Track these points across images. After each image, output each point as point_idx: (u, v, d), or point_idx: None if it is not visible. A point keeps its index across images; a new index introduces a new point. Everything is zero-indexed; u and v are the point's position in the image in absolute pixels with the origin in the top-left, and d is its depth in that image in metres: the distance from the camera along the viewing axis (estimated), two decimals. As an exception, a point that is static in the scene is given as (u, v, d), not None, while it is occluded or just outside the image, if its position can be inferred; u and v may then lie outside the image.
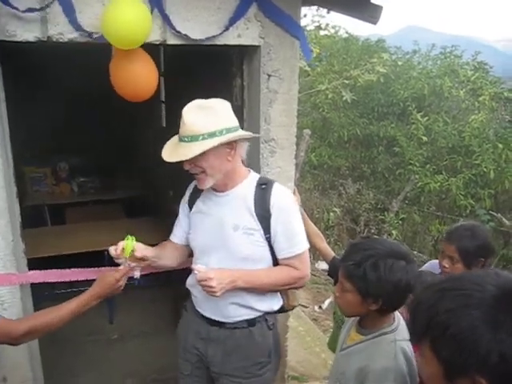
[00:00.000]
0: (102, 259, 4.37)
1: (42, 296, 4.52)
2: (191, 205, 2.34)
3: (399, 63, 9.08)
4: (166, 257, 2.40)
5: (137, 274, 2.40)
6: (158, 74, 2.50)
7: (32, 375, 2.67)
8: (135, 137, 6.15)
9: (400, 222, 7.70)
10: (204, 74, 3.19)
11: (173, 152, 2.07)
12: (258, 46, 2.65)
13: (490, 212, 6.86)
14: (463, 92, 8.17)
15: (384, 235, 7.59)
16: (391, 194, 8.75)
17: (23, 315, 2.57)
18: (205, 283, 2.02)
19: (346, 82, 8.26)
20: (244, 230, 2.13)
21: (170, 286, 4.46)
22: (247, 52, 2.75)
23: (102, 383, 3.84)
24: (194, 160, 2.02)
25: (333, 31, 10.33)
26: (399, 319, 1.87)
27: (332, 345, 2.80)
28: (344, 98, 8.04)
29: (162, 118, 5.19)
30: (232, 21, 2.49)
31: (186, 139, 2.02)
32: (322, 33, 9.45)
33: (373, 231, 8.47)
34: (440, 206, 8.57)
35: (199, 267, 2.06)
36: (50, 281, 2.64)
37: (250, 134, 2.16)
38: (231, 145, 2.05)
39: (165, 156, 2.09)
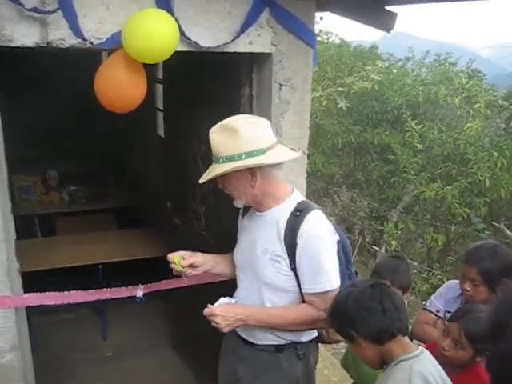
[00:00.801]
0: (96, 273, 4.23)
1: (33, 311, 4.35)
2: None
3: (394, 70, 8.98)
4: (224, 264, 2.39)
5: (139, 293, 2.54)
6: (149, 84, 2.34)
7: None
8: (128, 145, 5.99)
9: (399, 232, 7.59)
10: (209, 81, 3.03)
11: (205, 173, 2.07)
12: (270, 54, 2.51)
13: (492, 223, 6.78)
14: (458, 100, 8.09)
15: (383, 246, 7.49)
16: (385, 202, 8.66)
17: (18, 340, 2.39)
18: (210, 318, 2.04)
19: (341, 89, 8.16)
20: (271, 256, 2.07)
21: (164, 299, 4.30)
22: (258, 60, 2.61)
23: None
24: (219, 181, 2.06)
25: (325, 37, 10.26)
26: (423, 350, 1.78)
27: (345, 362, 2.67)
28: (339, 106, 7.94)
29: (159, 126, 5.03)
30: (244, 27, 2.35)
31: (213, 159, 2.03)
32: (315, 39, 9.33)
33: (367, 240, 8.38)
34: (435, 214, 8.49)
35: (209, 307, 2.06)
36: (47, 303, 2.46)
37: (275, 160, 2.00)
38: (253, 171, 1.98)
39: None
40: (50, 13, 2.07)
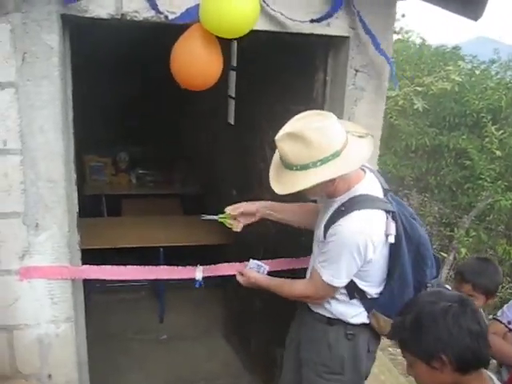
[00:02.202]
0: (157, 255, 4.24)
1: (94, 288, 4.43)
2: None
3: (476, 72, 8.57)
4: (287, 211, 2.45)
5: (199, 275, 2.53)
6: (226, 67, 2.29)
7: (78, 376, 2.50)
8: (199, 132, 6.00)
9: (470, 239, 7.24)
10: (281, 67, 2.94)
11: (275, 175, 2.05)
12: (347, 38, 2.39)
13: None
14: (545, 106, 7.63)
15: (452, 252, 7.18)
16: (457, 208, 8.28)
17: (73, 311, 2.40)
18: (237, 274, 2.39)
19: (419, 89, 7.86)
20: (318, 242, 2.16)
21: (222, 287, 4.25)
22: (334, 43, 2.49)
23: (147, 385, 3.67)
24: None
25: (406, 36, 9.94)
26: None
27: None
28: (416, 106, 7.64)
29: (229, 114, 4.99)
30: (332, 10, 2.23)
31: (283, 163, 1.99)
32: (395, 37, 9.05)
33: (435, 246, 8.06)
34: (509, 224, 8.05)
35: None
36: (104, 278, 2.45)
37: (352, 165, 1.94)
38: (332, 179, 1.95)
39: (271, 178, 2.06)
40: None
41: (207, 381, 3.72)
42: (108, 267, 2.42)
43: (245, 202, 2.44)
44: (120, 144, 6.05)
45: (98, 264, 2.46)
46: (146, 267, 2.50)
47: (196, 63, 2.18)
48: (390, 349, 3.63)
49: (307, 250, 2.63)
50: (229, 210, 2.41)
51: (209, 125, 5.58)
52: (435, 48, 9.84)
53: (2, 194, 2.17)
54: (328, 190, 2.03)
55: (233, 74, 4.67)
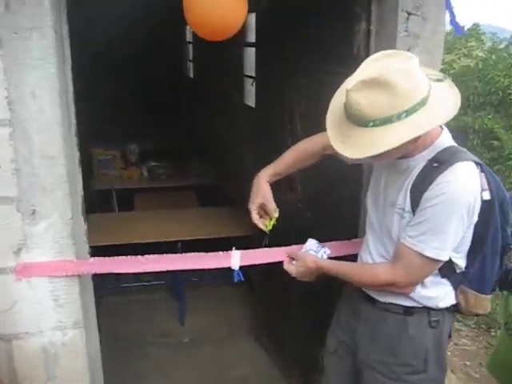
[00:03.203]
0: (174, 251, 3.86)
1: (106, 289, 4.06)
2: None
3: (501, 46, 8.15)
4: (291, 165, 2.09)
5: (235, 264, 2.08)
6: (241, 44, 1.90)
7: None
8: (212, 119, 5.64)
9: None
10: (313, 22, 2.55)
11: (338, 135, 1.61)
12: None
13: None
14: None
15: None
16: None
17: (82, 315, 2.02)
18: (287, 260, 1.99)
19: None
20: (397, 209, 1.73)
21: (247, 284, 3.86)
22: (379, -17, 2.09)
23: (171, 395, 3.29)
24: None
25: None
26: None
27: (495, 364, 2.12)
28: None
29: (246, 95, 4.62)
30: None
31: (350, 120, 1.56)
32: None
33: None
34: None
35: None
36: (118, 271, 2.06)
37: (444, 116, 1.54)
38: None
39: (332, 139, 1.62)
40: None
41: (235, 387, 3.34)
42: (122, 258, 2.01)
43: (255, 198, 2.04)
44: (128, 136, 5.74)
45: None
46: (168, 256, 2.09)
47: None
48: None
49: (349, 233, 2.29)
50: (273, 211, 2.02)
51: (225, 110, 5.22)
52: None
53: (-10, 175, 1.79)
54: (407, 149, 1.61)
55: (250, 51, 4.29)
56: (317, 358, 2.83)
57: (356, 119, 1.52)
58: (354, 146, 1.54)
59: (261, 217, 2.04)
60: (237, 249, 2.11)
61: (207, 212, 4.55)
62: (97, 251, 3.68)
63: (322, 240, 2.07)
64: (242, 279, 2.05)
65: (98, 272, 1.99)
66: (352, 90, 1.49)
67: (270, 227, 1.99)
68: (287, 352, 3.27)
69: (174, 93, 6.96)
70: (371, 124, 1.49)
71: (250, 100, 4.41)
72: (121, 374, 3.26)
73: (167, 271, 4.12)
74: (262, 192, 2.02)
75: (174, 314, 4.08)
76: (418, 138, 1.55)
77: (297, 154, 2.08)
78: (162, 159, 5.58)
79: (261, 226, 2.01)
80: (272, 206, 2.01)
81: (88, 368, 2.10)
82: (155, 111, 5.83)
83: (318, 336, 2.47)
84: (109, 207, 4.90)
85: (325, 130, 1.66)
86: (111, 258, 2.00)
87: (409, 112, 1.47)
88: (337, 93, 1.69)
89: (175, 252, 3.85)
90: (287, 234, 2.55)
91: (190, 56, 7.62)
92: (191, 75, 7.55)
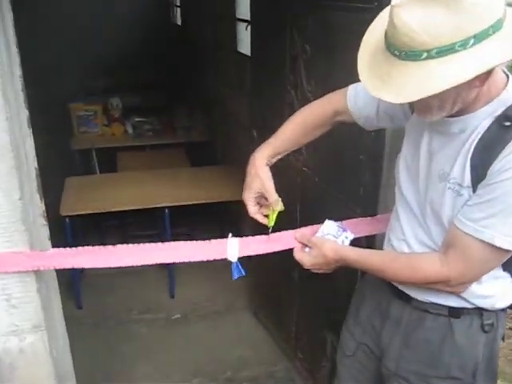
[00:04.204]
0: (162, 218, 3.48)
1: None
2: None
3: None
4: (294, 142, 1.67)
5: (232, 255, 1.62)
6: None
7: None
8: (202, 70, 5.18)
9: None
10: None
11: (375, 76, 1.15)
12: None
13: None
14: None
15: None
16: None
17: (43, 315, 1.62)
18: (297, 247, 1.58)
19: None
20: (451, 185, 1.30)
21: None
22: None
23: (160, 381, 2.94)
24: None
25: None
26: None
27: None
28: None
29: (239, 42, 4.15)
30: None
31: (396, 52, 1.09)
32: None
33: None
34: None
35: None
36: (85, 266, 1.66)
37: None
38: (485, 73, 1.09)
39: (365, 79, 1.19)
40: None
41: (235, 370, 3.01)
42: (96, 248, 1.57)
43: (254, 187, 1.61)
44: (110, 89, 5.30)
45: (94, 232, 1.65)
46: (153, 245, 1.63)
47: None
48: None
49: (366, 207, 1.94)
50: (275, 204, 1.56)
51: (216, 59, 4.77)
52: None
53: None
54: (468, 97, 1.19)
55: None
56: (325, 343, 2.51)
57: (403, 50, 1.07)
58: (399, 86, 1.09)
59: (261, 206, 1.62)
60: (232, 215, 1.69)
61: (198, 172, 4.16)
62: (72, 222, 3.34)
63: (332, 214, 1.66)
64: (244, 274, 1.63)
65: (58, 267, 1.57)
66: (399, 5, 1.05)
67: (273, 222, 1.56)
68: (290, 329, 2.93)
69: (161, 41, 6.52)
70: (424, 55, 1.05)
71: (245, 47, 3.93)
72: (103, 356, 2.98)
73: (156, 228, 3.81)
74: (259, 179, 1.59)
75: (163, 286, 3.73)
76: (487, 78, 1.13)
77: (300, 125, 1.65)
78: (148, 114, 5.11)
79: (261, 220, 1.59)
80: (273, 198, 1.57)
81: (54, 376, 1.72)
82: (141, 61, 5.40)
83: (328, 315, 2.27)
84: (89, 169, 4.47)
85: (336, 86, 1.21)
86: (82, 248, 1.57)
87: (478, 37, 1.03)
88: (372, 26, 1.24)
89: (162, 219, 3.49)
90: (290, 205, 2.15)
91: (178, 1, 7.21)
92: (179, 22, 7.12)
